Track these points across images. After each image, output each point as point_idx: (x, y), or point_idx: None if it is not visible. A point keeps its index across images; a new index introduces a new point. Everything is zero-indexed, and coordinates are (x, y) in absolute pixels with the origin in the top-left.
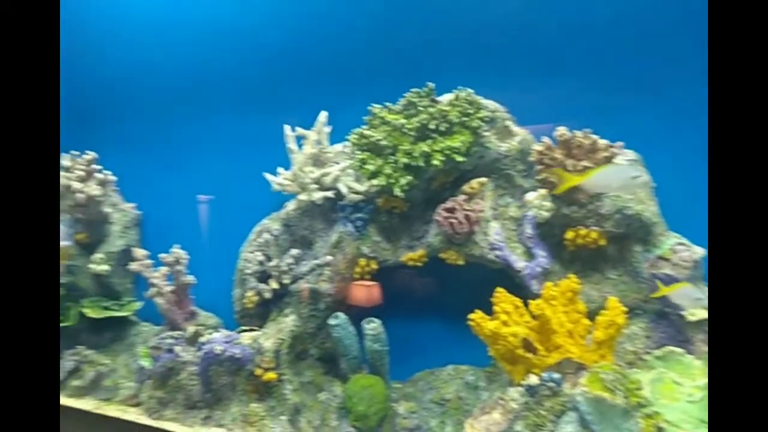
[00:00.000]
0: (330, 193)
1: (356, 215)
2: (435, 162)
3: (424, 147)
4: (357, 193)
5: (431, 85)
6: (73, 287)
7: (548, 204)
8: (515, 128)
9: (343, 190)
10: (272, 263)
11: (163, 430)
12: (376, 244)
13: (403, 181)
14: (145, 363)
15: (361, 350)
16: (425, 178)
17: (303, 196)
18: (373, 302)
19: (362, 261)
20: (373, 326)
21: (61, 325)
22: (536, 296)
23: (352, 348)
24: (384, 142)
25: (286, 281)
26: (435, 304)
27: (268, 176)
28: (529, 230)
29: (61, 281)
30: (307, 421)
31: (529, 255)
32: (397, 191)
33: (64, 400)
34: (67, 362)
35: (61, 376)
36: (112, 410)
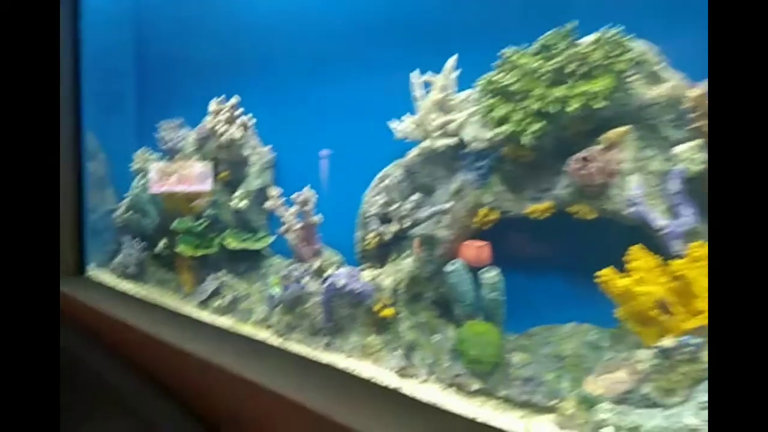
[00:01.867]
0: (454, 140)
1: (479, 163)
2: (571, 108)
3: (559, 91)
4: (482, 140)
5: (572, 24)
6: (217, 220)
7: (700, 156)
8: (667, 73)
9: (468, 136)
10: (393, 207)
11: (289, 351)
12: (498, 194)
13: (533, 127)
14: (276, 291)
15: (476, 298)
16: (558, 126)
17: (426, 143)
18: (481, 263)
19: (482, 210)
20: (491, 275)
21: (204, 253)
22: (674, 257)
23: (468, 295)
24: (515, 87)
25: (405, 225)
26: (557, 259)
27: (393, 124)
28: (675, 186)
29: (205, 214)
30: (421, 358)
31: (672, 213)
32: (526, 139)
33: (206, 317)
34: (209, 284)
35: (204, 296)
36: (247, 329)
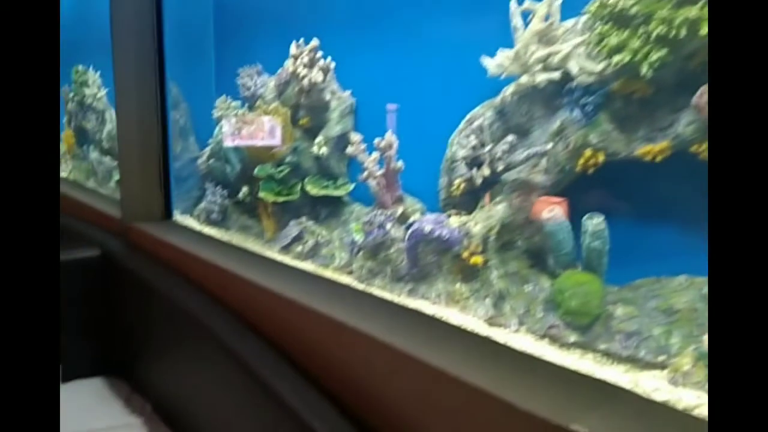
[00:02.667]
0: (557, 75)
1: (586, 99)
2: (703, 32)
3: (690, 12)
4: (590, 73)
5: None
6: (298, 167)
7: None
8: None
9: (574, 70)
10: (484, 150)
11: (373, 294)
12: (605, 134)
13: (654, 56)
14: (357, 237)
15: (575, 247)
16: (683, 55)
17: (524, 79)
18: (554, 221)
19: (587, 152)
20: (595, 222)
21: (286, 199)
22: None
23: (566, 244)
24: (634, 10)
25: (498, 169)
26: (671, 206)
27: (486, 59)
28: None
29: (286, 161)
30: (511, 308)
31: None
32: (645, 69)
33: (289, 261)
34: (291, 230)
35: (286, 241)
36: (328, 275)
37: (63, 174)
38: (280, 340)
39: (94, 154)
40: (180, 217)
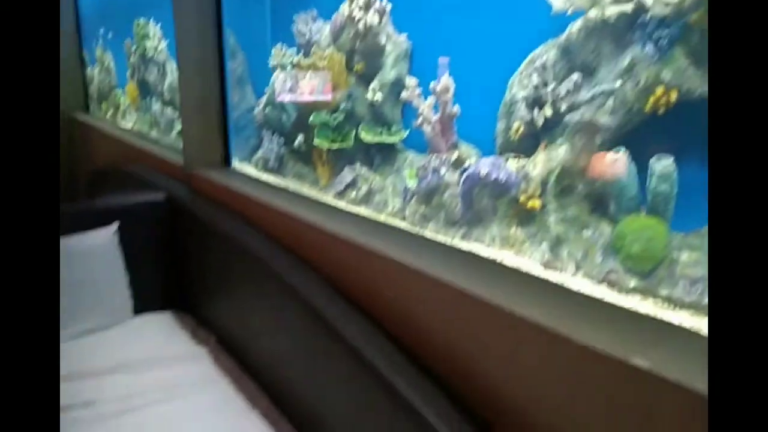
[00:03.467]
0: (629, 7)
1: (660, 33)
2: None
3: None
4: (666, 4)
5: None
6: (352, 113)
7: None
8: None
9: (649, 0)
10: (548, 89)
11: (424, 236)
12: (680, 71)
13: None
14: (411, 183)
15: (639, 192)
16: None
17: (593, 13)
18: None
19: (659, 90)
20: (663, 164)
21: (340, 146)
22: None
23: (630, 188)
24: None
25: (561, 109)
26: None
27: None
28: None
29: (341, 107)
30: (569, 253)
31: None
32: None
33: (344, 206)
34: (345, 176)
35: (340, 187)
36: (381, 218)
37: (128, 125)
38: (335, 276)
39: (156, 106)
40: (238, 165)
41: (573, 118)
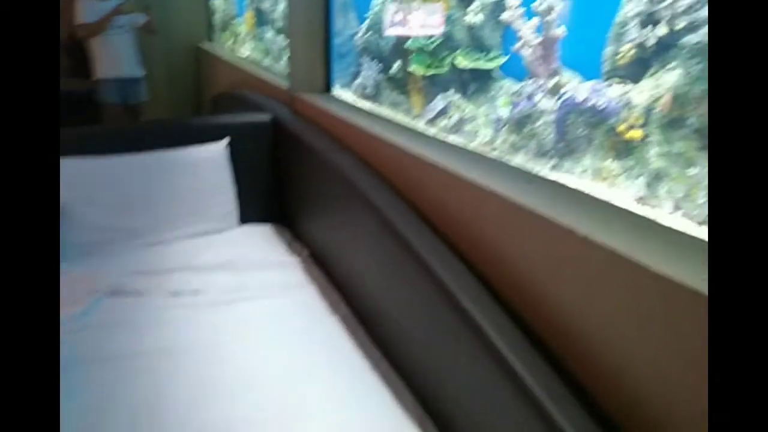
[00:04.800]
0: None
1: None
2: None
3: None
4: None
5: None
6: (450, 37)
7: None
8: None
9: None
10: (664, 4)
11: (509, 164)
12: None
13: None
14: (504, 112)
15: None
16: None
17: None
18: None
19: None
20: None
21: (435, 72)
22: None
23: None
24: None
25: (677, 27)
26: None
27: None
28: None
29: (437, 32)
30: (668, 191)
31: None
32: None
33: (433, 133)
34: (438, 103)
35: (432, 114)
36: (470, 147)
37: (245, 53)
38: (416, 199)
39: (269, 34)
40: (339, 91)
41: (691, 39)
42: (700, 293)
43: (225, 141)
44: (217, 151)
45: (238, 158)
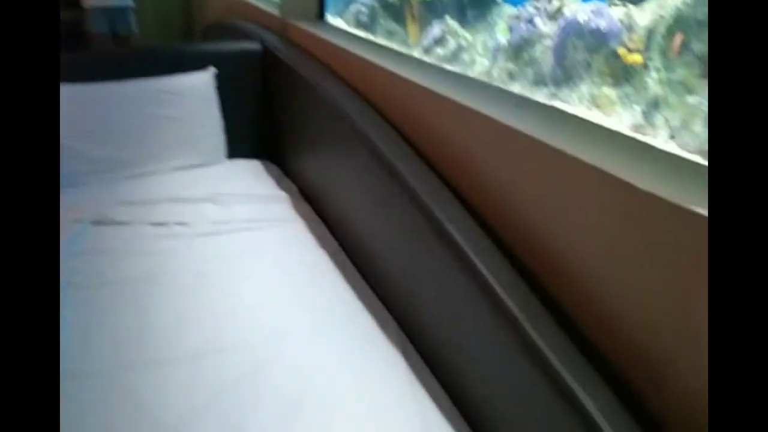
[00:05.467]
0: None
1: None
2: None
3: None
4: None
5: None
6: None
7: None
8: None
9: None
10: None
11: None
12: None
13: None
14: (501, 37)
15: None
16: None
17: None
18: None
19: None
20: None
21: None
22: None
23: None
24: None
25: None
26: None
27: None
28: None
29: None
30: (665, 119)
31: None
32: None
33: (429, 62)
34: (434, 30)
35: (428, 42)
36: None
37: None
38: (413, 130)
39: None
40: (334, 20)
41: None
42: (694, 213)
43: (211, 70)
44: (203, 80)
45: (226, 89)
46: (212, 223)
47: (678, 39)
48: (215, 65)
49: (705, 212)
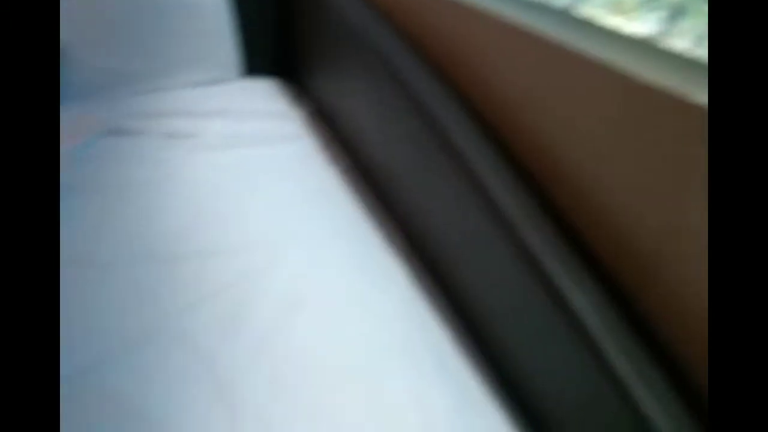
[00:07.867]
0: None
1: None
2: None
3: None
4: None
5: None
6: None
7: None
8: None
9: None
10: None
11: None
12: None
13: None
14: None
15: None
16: None
17: None
18: None
19: None
20: None
21: None
22: None
23: None
24: None
25: None
26: None
27: None
28: None
29: None
30: (690, 27)
31: None
32: None
33: None
34: None
35: None
36: None
37: None
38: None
39: None
40: None
41: None
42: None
43: None
44: None
45: (244, 3)
46: (223, 137)
47: None
48: None
49: (705, 103)
